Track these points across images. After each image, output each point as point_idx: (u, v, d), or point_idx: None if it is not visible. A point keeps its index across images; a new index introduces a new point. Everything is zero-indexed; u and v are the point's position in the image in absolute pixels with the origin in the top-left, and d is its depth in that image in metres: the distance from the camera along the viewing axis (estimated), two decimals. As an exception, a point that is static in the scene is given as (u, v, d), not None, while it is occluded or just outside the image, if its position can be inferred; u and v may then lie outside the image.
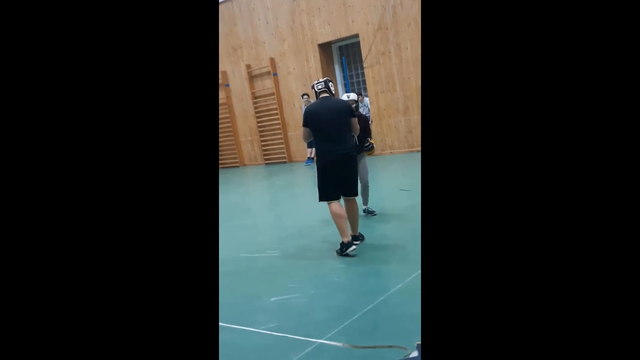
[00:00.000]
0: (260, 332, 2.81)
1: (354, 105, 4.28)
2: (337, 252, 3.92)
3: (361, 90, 10.09)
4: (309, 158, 10.33)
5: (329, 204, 3.91)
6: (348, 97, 4.55)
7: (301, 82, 10.59)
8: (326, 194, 3.92)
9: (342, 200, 4.00)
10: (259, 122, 11.64)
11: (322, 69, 10.24)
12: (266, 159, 11.80)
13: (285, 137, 11.24)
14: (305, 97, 10.21)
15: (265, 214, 6.56)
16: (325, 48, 10.26)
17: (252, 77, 11.45)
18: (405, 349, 2.32)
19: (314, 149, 10.19)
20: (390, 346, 2.39)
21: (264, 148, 11.79)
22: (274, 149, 11.66)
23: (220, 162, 12.24)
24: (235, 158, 12.28)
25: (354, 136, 4.00)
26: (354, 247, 3.81)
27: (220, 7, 11.12)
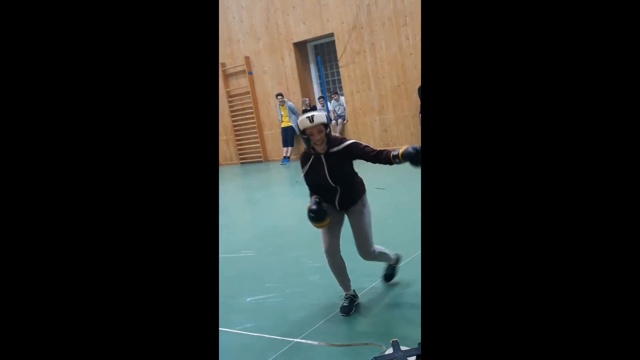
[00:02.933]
0: (237, 333, 2.81)
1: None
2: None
3: (337, 89, 10.12)
4: (285, 157, 10.32)
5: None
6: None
7: (277, 80, 10.56)
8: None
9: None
10: (234, 122, 11.56)
11: (298, 68, 10.24)
12: (242, 159, 11.73)
13: (261, 136, 11.20)
14: (280, 97, 10.17)
15: (241, 214, 6.53)
16: (300, 47, 10.25)
17: (226, 76, 11.36)
18: (381, 346, 2.35)
19: (290, 147, 10.26)
20: (365, 344, 2.42)
21: (239, 147, 11.72)
22: (249, 148, 11.60)
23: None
24: (211, 157, 12.17)
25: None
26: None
27: (194, 5, 10.99)
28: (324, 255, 2.78)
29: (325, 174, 2.65)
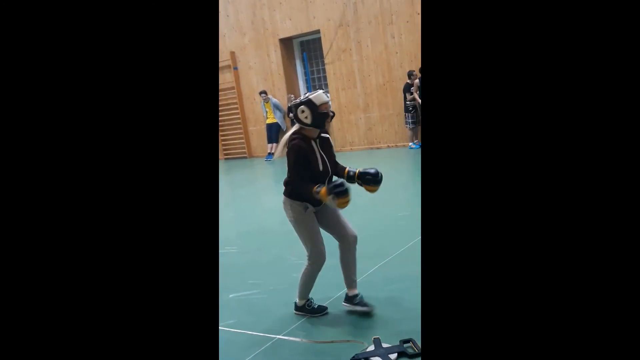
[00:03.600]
0: (219, 329, 2.80)
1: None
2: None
3: (322, 86, 10.12)
4: (269, 153, 10.29)
5: None
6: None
7: (262, 76, 10.51)
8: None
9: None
10: (219, 117, 11.49)
11: (284, 64, 10.21)
12: (226, 154, 11.67)
13: (246, 132, 11.15)
14: (263, 94, 10.12)
15: (224, 210, 6.49)
16: (286, 43, 10.22)
17: (212, 71, 11.29)
18: (363, 343, 2.36)
19: (274, 144, 10.23)
20: (347, 340, 2.43)
21: (223, 143, 11.65)
22: (234, 144, 11.54)
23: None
24: (194, 152, 12.08)
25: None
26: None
27: (180, -2, 10.88)
28: (308, 261, 2.71)
29: (322, 161, 2.58)
